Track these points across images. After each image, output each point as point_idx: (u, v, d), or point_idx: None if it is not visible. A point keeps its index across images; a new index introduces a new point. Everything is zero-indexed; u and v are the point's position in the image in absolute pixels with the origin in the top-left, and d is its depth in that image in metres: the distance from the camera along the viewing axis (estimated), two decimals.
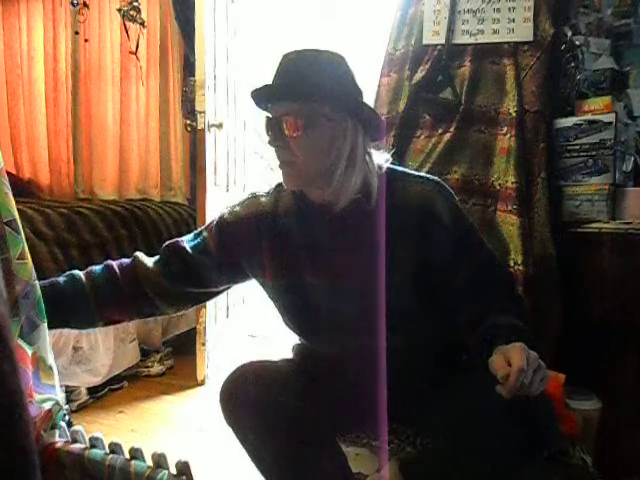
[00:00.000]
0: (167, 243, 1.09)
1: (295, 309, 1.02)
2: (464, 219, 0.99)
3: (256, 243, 1.00)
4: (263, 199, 1.04)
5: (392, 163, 1.01)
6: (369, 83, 1.90)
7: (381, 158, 0.98)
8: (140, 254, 1.08)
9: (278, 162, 0.93)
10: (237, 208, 1.05)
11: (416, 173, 1.02)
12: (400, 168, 1.02)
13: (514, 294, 1.01)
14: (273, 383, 0.93)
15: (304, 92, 0.88)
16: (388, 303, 0.91)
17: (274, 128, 0.90)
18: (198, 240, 1.07)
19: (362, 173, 0.93)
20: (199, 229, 1.11)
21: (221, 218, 1.06)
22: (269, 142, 0.93)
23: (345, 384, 0.99)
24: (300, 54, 0.92)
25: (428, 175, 1.02)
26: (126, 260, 1.07)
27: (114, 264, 1.06)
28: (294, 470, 0.91)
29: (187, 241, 1.07)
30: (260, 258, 1.00)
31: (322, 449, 0.93)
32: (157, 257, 1.08)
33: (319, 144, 0.89)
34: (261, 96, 0.93)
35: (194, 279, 1.05)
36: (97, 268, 1.05)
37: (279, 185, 1.03)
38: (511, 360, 0.74)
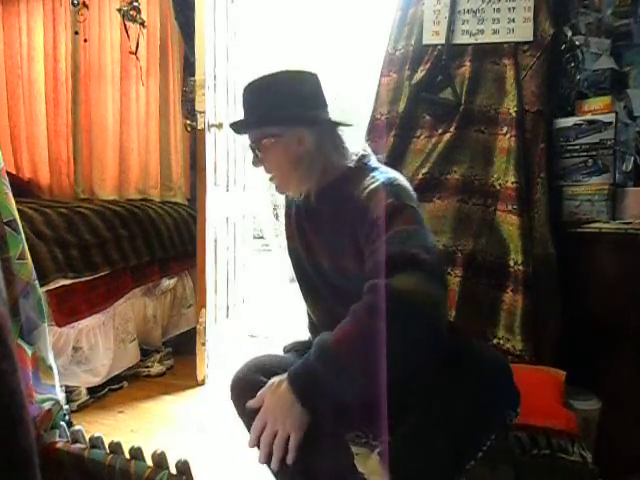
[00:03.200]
0: None
1: (300, 285, 1.22)
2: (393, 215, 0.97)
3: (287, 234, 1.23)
4: (288, 200, 1.25)
5: (385, 163, 1.11)
6: (369, 83, 1.90)
7: (356, 151, 1.08)
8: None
9: None
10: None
11: (383, 170, 1.06)
12: (374, 164, 1.08)
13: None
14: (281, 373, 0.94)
15: (254, 122, 1.06)
16: (339, 277, 1.05)
17: (252, 152, 1.09)
18: None
19: (325, 169, 1.06)
20: None
21: None
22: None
23: None
24: (251, 85, 1.06)
25: (391, 174, 1.03)
26: None
27: None
28: (303, 462, 0.92)
29: None
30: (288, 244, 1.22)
31: (330, 441, 0.94)
32: None
33: (281, 158, 1.06)
34: (234, 130, 1.13)
35: None
36: None
37: None
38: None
